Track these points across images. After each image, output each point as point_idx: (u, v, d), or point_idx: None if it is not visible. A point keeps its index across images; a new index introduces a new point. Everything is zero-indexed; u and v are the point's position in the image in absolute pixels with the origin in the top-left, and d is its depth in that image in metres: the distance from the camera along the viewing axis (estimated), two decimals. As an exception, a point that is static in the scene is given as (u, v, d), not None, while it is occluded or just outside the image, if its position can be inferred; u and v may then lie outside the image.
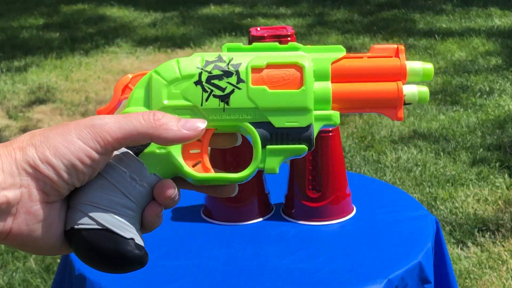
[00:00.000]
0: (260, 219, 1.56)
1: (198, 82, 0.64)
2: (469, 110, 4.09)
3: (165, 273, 1.36)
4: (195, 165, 0.66)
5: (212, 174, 0.66)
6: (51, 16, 7.06)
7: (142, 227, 0.67)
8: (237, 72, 0.65)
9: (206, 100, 0.64)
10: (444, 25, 6.10)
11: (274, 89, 0.65)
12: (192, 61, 0.65)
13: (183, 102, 0.64)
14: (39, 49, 5.82)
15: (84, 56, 5.60)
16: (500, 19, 6.16)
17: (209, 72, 0.65)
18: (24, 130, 4.13)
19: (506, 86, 4.47)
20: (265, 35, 1.45)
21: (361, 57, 0.69)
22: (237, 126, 0.66)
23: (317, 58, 0.67)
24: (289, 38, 1.46)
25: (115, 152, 0.62)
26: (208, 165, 0.67)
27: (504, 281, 2.50)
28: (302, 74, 0.66)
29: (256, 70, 0.65)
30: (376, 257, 1.38)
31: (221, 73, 0.65)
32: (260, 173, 1.58)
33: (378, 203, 1.63)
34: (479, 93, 4.36)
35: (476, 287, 2.48)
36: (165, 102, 0.64)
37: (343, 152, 1.69)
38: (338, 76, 0.67)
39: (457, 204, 3.01)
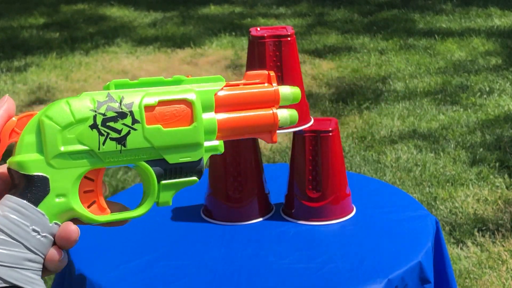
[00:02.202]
0: (260, 219, 1.57)
1: (94, 126, 0.63)
2: (469, 110, 4.09)
3: (165, 273, 1.36)
4: (90, 205, 0.65)
5: (113, 216, 0.66)
6: (51, 16, 7.06)
7: (46, 270, 0.64)
8: (131, 113, 0.65)
9: (103, 143, 0.64)
10: (444, 25, 6.10)
11: (168, 127, 0.66)
12: (83, 103, 0.63)
13: (79, 147, 0.63)
14: (39, 49, 5.82)
15: (84, 56, 5.60)
16: (500, 19, 6.16)
17: (104, 115, 0.64)
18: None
19: (506, 86, 4.47)
20: (265, 35, 1.45)
21: (238, 85, 0.72)
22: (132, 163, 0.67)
23: (201, 90, 0.69)
24: (289, 38, 1.46)
25: (15, 205, 0.60)
26: (104, 204, 0.66)
27: (504, 281, 2.50)
28: (192, 109, 0.68)
29: (148, 108, 0.66)
30: (376, 257, 1.39)
31: (116, 114, 0.64)
32: (260, 173, 1.58)
33: (378, 203, 1.63)
34: (479, 93, 4.36)
35: (476, 287, 2.48)
36: (62, 148, 0.62)
37: (343, 152, 1.69)
38: (220, 106, 0.70)
39: (457, 204, 3.01)
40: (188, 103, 0.68)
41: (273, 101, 0.73)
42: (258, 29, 1.49)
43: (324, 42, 5.77)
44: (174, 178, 0.68)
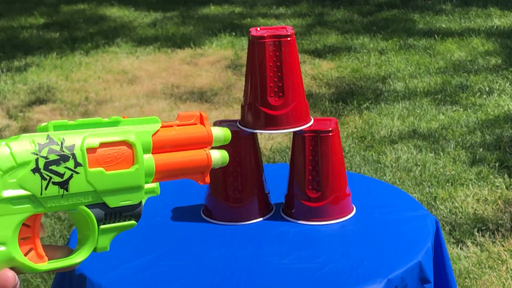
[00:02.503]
0: (260, 219, 1.57)
1: (36, 170, 0.60)
2: (469, 110, 4.09)
3: (165, 273, 1.36)
4: (27, 253, 0.63)
5: (53, 264, 0.64)
6: (51, 16, 7.06)
7: None
8: (73, 155, 0.62)
9: (46, 188, 0.61)
10: (443, 25, 6.10)
11: (110, 170, 0.65)
12: (24, 145, 0.60)
13: (21, 192, 0.60)
14: (39, 49, 5.83)
15: (84, 56, 5.60)
16: (499, 19, 6.16)
17: (46, 158, 0.61)
18: (24, 130, 4.13)
19: (506, 86, 4.47)
20: (265, 35, 1.45)
21: (172, 126, 0.72)
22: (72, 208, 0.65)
23: (139, 131, 0.68)
24: (289, 38, 1.46)
25: None
26: (41, 251, 0.64)
27: (504, 280, 2.50)
28: (133, 151, 0.66)
29: (90, 150, 0.64)
30: (376, 257, 1.39)
31: (58, 157, 0.62)
32: (260, 173, 1.58)
33: (378, 203, 1.63)
34: (478, 93, 4.36)
35: (476, 286, 2.48)
36: (3, 194, 0.59)
37: (343, 152, 1.69)
38: (157, 148, 0.70)
39: (456, 204, 3.01)
40: (129, 144, 0.66)
41: (206, 142, 0.74)
42: (258, 29, 1.49)
43: (324, 42, 5.77)
44: (113, 222, 0.67)
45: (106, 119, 0.67)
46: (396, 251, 1.41)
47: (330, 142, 1.51)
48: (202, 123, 0.74)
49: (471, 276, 2.53)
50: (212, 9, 7.20)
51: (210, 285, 1.32)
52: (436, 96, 4.36)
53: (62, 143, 0.62)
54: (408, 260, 1.37)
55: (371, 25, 6.21)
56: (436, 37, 5.69)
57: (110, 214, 0.66)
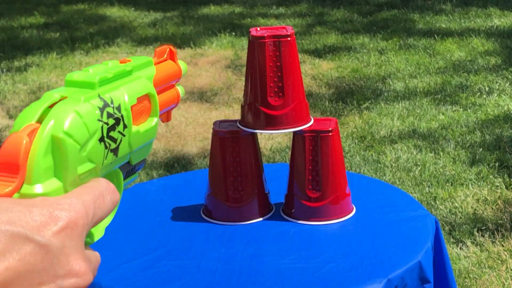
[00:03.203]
0: (260, 219, 1.57)
1: (101, 139, 0.53)
2: (469, 110, 4.10)
3: (165, 273, 1.36)
4: None
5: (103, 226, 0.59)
6: (52, 16, 7.06)
7: None
8: (122, 117, 0.55)
9: (106, 157, 0.54)
10: (443, 25, 6.10)
11: (140, 128, 0.59)
12: (90, 111, 0.52)
13: (89, 166, 0.52)
14: (40, 49, 5.83)
15: (84, 56, 5.60)
16: (499, 19, 6.16)
17: (107, 123, 0.53)
18: (24, 130, 4.13)
19: (506, 86, 4.47)
20: (265, 35, 1.45)
21: (159, 64, 0.67)
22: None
23: (147, 75, 0.63)
24: (289, 38, 1.46)
25: None
26: None
27: (504, 280, 2.51)
28: (151, 103, 0.61)
29: (132, 109, 0.57)
30: (376, 257, 1.39)
31: (114, 121, 0.54)
32: (260, 173, 1.59)
33: (378, 203, 1.63)
34: (478, 93, 4.36)
35: (476, 286, 2.49)
36: (79, 169, 0.51)
37: (343, 152, 1.69)
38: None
39: (456, 204, 3.01)
40: (149, 96, 0.61)
41: (178, 78, 0.71)
42: (258, 29, 1.49)
43: (324, 42, 5.77)
44: (127, 178, 0.61)
45: (120, 67, 0.60)
46: (396, 251, 1.41)
47: (330, 142, 1.51)
48: (172, 58, 0.70)
49: (471, 276, 2.53)
50: (212, 9, 7.20)
51: (210, 285, 1.32)
52: (436, 96, 4.36)
53: (112, 104, 0.54)
54: (408, 260, 1.37)
55: (371, 25, 6.21)
56: (436, 37, 5.69)
57: (128, 172, 0.60)
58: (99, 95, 0.53)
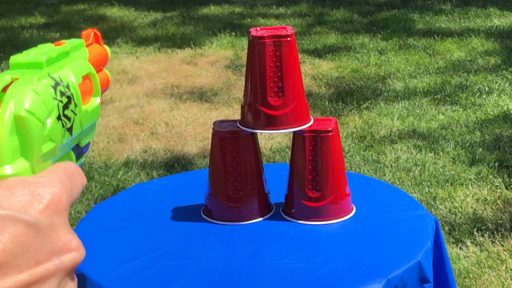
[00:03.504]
0: (260, 219, 1.57)
1: (59, 117, 0.51)
2: (468, 110, 4.10)
3: (165, 273, 1.36)
4: None
5: None
6: (52, 16, 7.06)
7: None
8: (72, 96, 0.54)
9: (63, 136, 0.53)
10: (443, 25, 6.10)
11: (87, 107, 0.58)
12: (46, 89, 0.50)
13: (50, 145, 0.50)
14: (39, 49, 5.82)
15: (84, 56, 5.60)
16: (499, 19, 6.17)
17: (61, 102, 0.52)
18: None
19: (505, 86, 4.47)
20: (265, 35, 1.46)
21: (88, 46, 0.65)
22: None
23: (82, 56, 0.61)
24: (289, 38, 1.46)
25: None
26: None
27: (503, 280, 2.51)
28: (93, 82, 0.60)
29: (79, 87, 0.56)
30: (376, 256, 1.39)
31: (67, 100, 0.53)
32: (260, 173, 1.59)
33: (378, 203, 1.63)
34: (478, 93, 4.36)
35: (475, 286, 2.49)
36: (43, 148, 0.49)
37: (343, 152, 1.69)
38: None
39: (456, 204, 3.02)
40: (91, 76, 0.60)
41: (106, 62, 0.69)
42: (258, 29, 1.49)
43: (324, 42, 5.77)
44: (76, 161, 0.59)
45: (60, 48, 0.57)
46: (395, 251, 1.41)
47: (330, 142, 1.51)
48: (98, 42, 0.69)
49: (471, 276, 2.53)
50: (212, 9, 7.20)
51: (210, 285, 1.32)
52: (435, 96, 4.36)
53: (62, 83, 0.53)
54: (408, 260, 1.37)
55: (371, 25, 6.21)
56: (436, 37, 5.69)
57: (78, 154, 0.58)
58: (48, 74, 0.52)
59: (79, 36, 0.69)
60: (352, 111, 4.19)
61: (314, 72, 5.00)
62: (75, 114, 0.54)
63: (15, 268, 0.40)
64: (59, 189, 0.45)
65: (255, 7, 7.24)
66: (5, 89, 0.49)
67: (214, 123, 1.57)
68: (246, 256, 1.42)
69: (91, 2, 7.63)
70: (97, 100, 0.60)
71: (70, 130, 0.54)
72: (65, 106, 0.52)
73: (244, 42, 5.79)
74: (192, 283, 1.33)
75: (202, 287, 1.32)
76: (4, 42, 6.15)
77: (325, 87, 4.69)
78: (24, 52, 0.54)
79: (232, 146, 1.53)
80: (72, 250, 0.44)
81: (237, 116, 4.05)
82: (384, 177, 3.28)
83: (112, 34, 6.29)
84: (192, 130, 4.03)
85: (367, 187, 1.73)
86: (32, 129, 0.48)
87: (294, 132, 1.53)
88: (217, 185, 1.57)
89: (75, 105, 0.54)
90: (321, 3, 7.17)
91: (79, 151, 0.58)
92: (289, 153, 1.73)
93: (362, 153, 3.58)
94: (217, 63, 5.32)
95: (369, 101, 4.31)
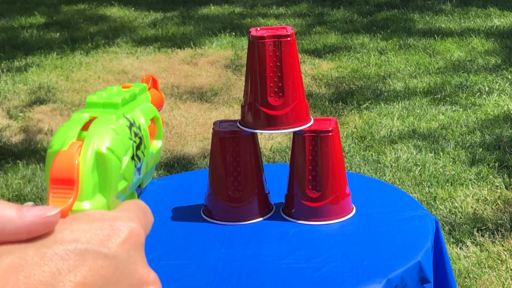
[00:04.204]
0: (260, 219, 1.57)
1: (133, 157, 0.53)
2: (468, 110, 4.10)
3: (165, 273, 1.36)
4: None
5: None
6: (52, 16, 7.06)
7: None
8: (143, 138, 0.56)
9: (134, 175, 0.54)
10: (443, 25, 6.10)
11: (152, 150, 0.60)
12: (124, 129, 0.52)
13: (124, 183, 0.52)
14: (40, 49, 5.83)
15: (85, 56, 5.60)
16: (499, 19, 6.17)
17: (135, 142, 0.54)
18: (24, 130, 4.13)
19: (505, 86, 4.47)
20: (265, 35, 1.46)
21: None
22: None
23: (147, 100, 0.62)
24: (289, 38, 1.46)
25: None
26: None
27: (504, 280, 2.51)
28: (156, 126, 0.62)
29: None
30: (376, 256, 1.39)
31: (139, 141, 0.55)
32: (260, 173, 1.59)
33: (378, 203, 1.63)
34: (478, 93, 4.36)
35: (476, 286, 2.49)
36: (119, 186, 0.51)
37: (343, 152, 1.69)
38: None
39: (456, 204, 3.02)
40: (155, 120, 0.61)
41: (161, 105, 0.70)
42: (258, 29, 1.50)
43: (324, 42, 5.77)
44: None
45: (130, 90, 0.59)
46: (395, 251, 1.41)
47: (330, 142, 1.51)
48: (155, 87, 0.70)
49: (471, 276, 2.53)
50: (212, 9, 7.20)
51: (210, 285, 1.32)
52: (435, 96, 4.36)
53: (135, 124, 0.54)
54: (408, 260, 1.37)
55: (371, 25, 6.22)
56: (436, 37, 5.69)
57: (138, 195, 0.59)
58: (123, 115, 0.53)
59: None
60: (352, 111, 4.19)
61: (314, 72, 5.00)
62: (144, 155, 0.56)
63: None
64: (137, 224, 0.46)
65: (255, 7, 7.24)
66: (84, 127, 0.51)
67: (214, 123, 1.57)
68: (246, 256, 1.42)
69: (91, 2, 7.63)
70: (159, 143, 0.61)
71: (139, 170, 0.55)
72: (138, 147, 0.54)
73: (244, 42, 5.79)
74: (192, 283, 1.33)
75: (202, 287, 1.32)
76: (4, 42, 6.15)
77: (325, 87, 4.69)
78: (97, 92, 0.55)
79: (232, 146, 1.53)
80: (149, 284, 0.45)
81: (237, 116, 4.05)
82: (384, 177, 3.28)
83: (112, 34, 6.29)
84: (192, 130, 4.03)
85: (367, 187, 1.74)
86: (111, 166, 0.49)
87: (294, 132, 1.53)
88: (217, 185, 1.57)
89: (145, 147, 0.56)
90: (321, 3, 7.17)
91: (139, 192, 0.59)
92: (289, 153, 1.73)
93: (362, 153, 3.58)
94: (217, 63, 5.32)
95: (369, 101, 4.31)
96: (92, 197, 0.48)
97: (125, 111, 0.54)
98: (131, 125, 0.53)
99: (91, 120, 0.52)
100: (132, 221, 0.46)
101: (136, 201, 0.51)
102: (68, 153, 0.48)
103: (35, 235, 0.41)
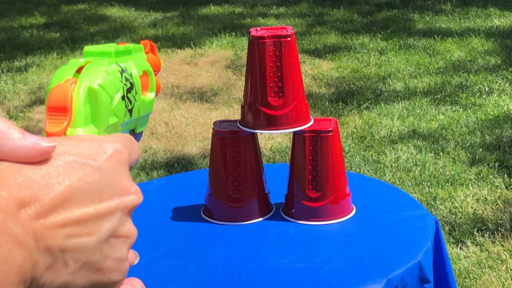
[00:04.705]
0: (260, 219, 1.57)
1: (123, 97, 0.61)
2: (469, 110, 4.10)
3: (165, 273, 1.36)
4: None
5: None
6: (52, 16, 7.06)
7: None
8: (134, 84, 0.64)
9: (125, 115, 0.62)
10: (443, 25, 6.10)
11: (144, 98, 0.67)
12: (115, 72, 0.61)
13: (115, 119, 0.60)
14: (40, 49, 5.83)
15: (84, 56, 5.60)
16: (499, 19, 6.17)
17: (125, 85, 0.62)
18: (24, 130, 4.13)
19: (505, 86, 4.47)
20: (265, 35, 1.46)
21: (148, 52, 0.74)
22: None
23: (142, 57, 0.70)
24: (289, 38, 1.46)
25: None
26: None
27: (504, 280, 2.51)
28: (149, 79, 0.69)
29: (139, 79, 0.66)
30: (376, 256, 1.39)
31: (130, 85, 0.63)
32: (260, 173, 1.59)
33: (378, 203, 1.63)
34: (478, 93, 4.36)
35: (476, 286, 2.49)
36: (109, 120, 0.59)
37: (343, 152, 1.69)
38: None
39: (456, 204, 3.02)
40: (148, 73, 0.69)
41: (158, 70, 0.77)
42: (258, 29, 1.49)
43: (324, 42, 5.77)
44: None
45: (121, 47, 0.66)
46: (395, 251, 1.41)
47: (330, 142, 1.51)
48: (153, 52, 0.76)
49: (471, 276, 2.53)
50: (212, 9, 7.20)
51: (210, 285, 1.32)
52: (435, 96, 4.36)
53: (126, 71, 0.63)
54: (408, 260, 1.37)
55: (371, 25, 6.21)
56: (436, 37, 5.69)
57: None
58: (116, 62, 0.61)
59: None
60: (352, 111, 4.19)
61: (314, 72, 5.00)
62: (135, 100, 0.64)
63: (81, 202, 0.47)
64: (122, 145, 0.52)
65: (255, 7, 7.24)
66: (79, 70, 0.60)
67: (214, 123, 1.57)
68: (246, 256, 1.42)
69: (91, 2, 7.63)
70: (152, 95, 0.69)
71: (130, 112, 0.63)
72: (128, 90, 0.62)
73: (244, 42, 5.79)
74: (192, 283, 1.33)
75: (202, 287, 1.32)
76: (4, 42, 6.15)
77: (325, 87, 4.69)
78: (95, 45, 0.64)
79: (232, 146, 1.53)
80: (131, 193, 0.51)
81: (237, 116, 4.05)
82: (384, 177, 3.28)
83: (112, 34, 6.29)
84: (192, 130, 4.03)
85: (367, 187, 1.73)
86: (102, 101, 0.58)
87: (294, 132, 1.53)
88: (217, 185, 1.57)
89: (136, 92, 0.64)
90: (321, 3, 7.17)
91: (133, 137, 0.65)
92: (289, 153, 1.73)
93: (362, 153, 3.58)
94: (217, 63, 5.32)
95: (369, 101, 4.31)
96: (84, 126, 0.57)
97: (118, 60, 0.62)
98: (123, 71, 0.62)
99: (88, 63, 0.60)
100: (118, 143, 0.52)
101: (125, 134, 0.57)
102: (63, 86, 0.57)
103: (31, 160, 0.46)
